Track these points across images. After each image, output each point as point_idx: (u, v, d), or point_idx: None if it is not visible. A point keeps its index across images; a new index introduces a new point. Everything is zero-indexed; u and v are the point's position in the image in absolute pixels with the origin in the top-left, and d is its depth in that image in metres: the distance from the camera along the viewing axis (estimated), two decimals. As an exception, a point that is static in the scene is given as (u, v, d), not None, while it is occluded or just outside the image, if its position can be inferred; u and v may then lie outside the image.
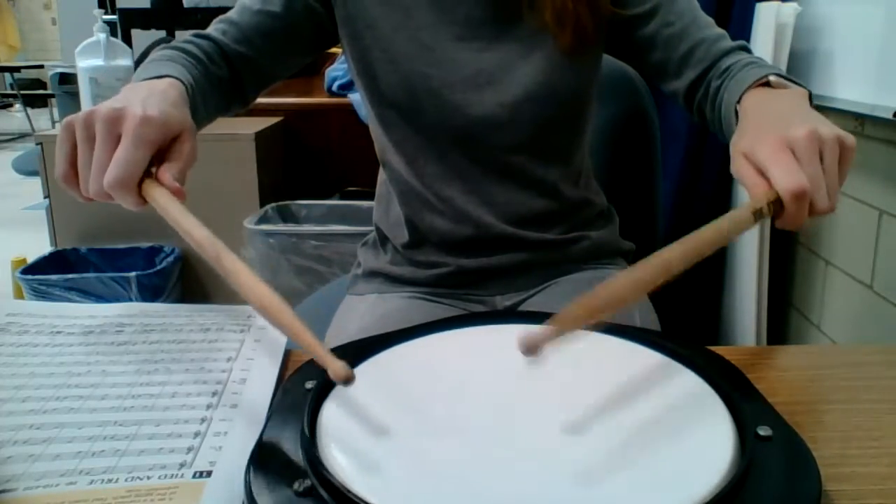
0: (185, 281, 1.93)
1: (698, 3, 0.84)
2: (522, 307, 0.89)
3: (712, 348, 0.58)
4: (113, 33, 1.89)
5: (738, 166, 0.58)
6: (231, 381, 0.56)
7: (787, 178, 0.53)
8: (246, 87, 0.83)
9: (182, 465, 0.45)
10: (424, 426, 0.46)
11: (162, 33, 2.51)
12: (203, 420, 0.50)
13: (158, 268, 1.83)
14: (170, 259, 1.87)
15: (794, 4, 1.48)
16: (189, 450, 0.46)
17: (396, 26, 0.83)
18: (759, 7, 1.55)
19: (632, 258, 0.98)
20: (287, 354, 0.62)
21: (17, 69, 6.55)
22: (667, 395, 0.50)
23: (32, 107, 6.57)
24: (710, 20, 0.83)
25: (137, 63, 1.84)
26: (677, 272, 0.49)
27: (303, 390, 0.50)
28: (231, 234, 1.79)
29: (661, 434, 0.45)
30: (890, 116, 1.22)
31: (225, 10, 0.84)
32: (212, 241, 0.54)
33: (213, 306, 0.70)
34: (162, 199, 0.58)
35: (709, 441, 0.44)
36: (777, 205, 0.54)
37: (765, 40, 1.50)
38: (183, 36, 0.80)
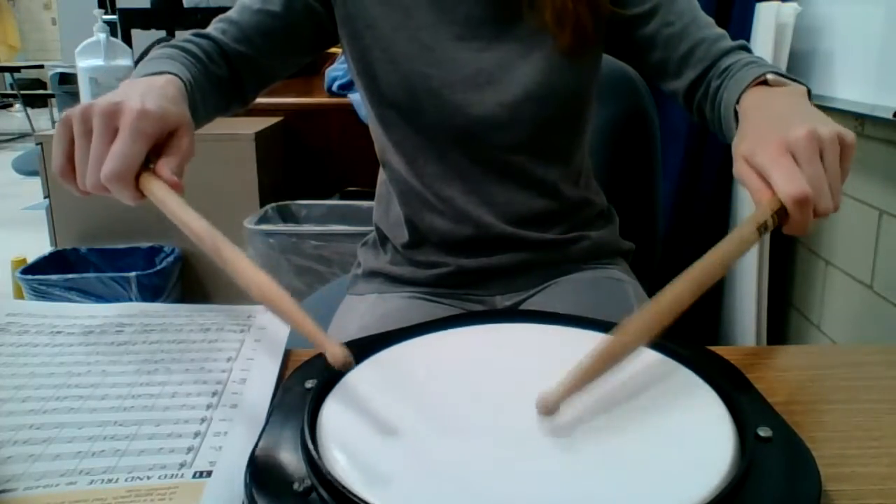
0: (185, 281, 1.93)
1: (698, 3, 0.84)
2: (522, 307, 0.89)
3: (712, 348, 0.58)
4: (113, 33, 1.89)
5: (740, 170, 0.58)
6: (231, 381, 0.56)
7: (788, 184, 0.52)
8: (245, 86, 0.83)
9: (182, 465, 0.45)
10: (424, 426, 0.46)
11: (162, 33, 2.51)
12: (203, 420, 0.50)
13: (158, 268, 1.83)
14: (170, 259, 1.87)
15: (794, 4, 1.48)
16: (189, 450, 0.46)
17: (396, 26, 0.83)
18: (759, 7, 1.55)
19: (631, 258, 0.98)
20: (287, 354, 0.62)
21: (17, 69, 6.55)
22: (667, 396, 0.50)
23: (32, 107, 6.57)
24: (710, 20, 0.83)
25: (137, 63, 1.84)
26: (688, 306, 0.49)
27: (303, 390, 0.50)
28: (231, 234, 1.79)
29: (661, 434, 0.45)
30: (890, 116, 1.22)
31: (225, 9, 0.84)
32: (210, 232, 0.54)
33: (213, 306, 0.70)
34: (160, 193, 0.58)
35: (709, 441, 0.44)
36: (781, 213, 0.54)
37: (765, 40, 1.50)
38: (183, 36, 0.80)
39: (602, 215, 0.96)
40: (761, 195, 0.55)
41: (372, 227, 0.98)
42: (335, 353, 0.45)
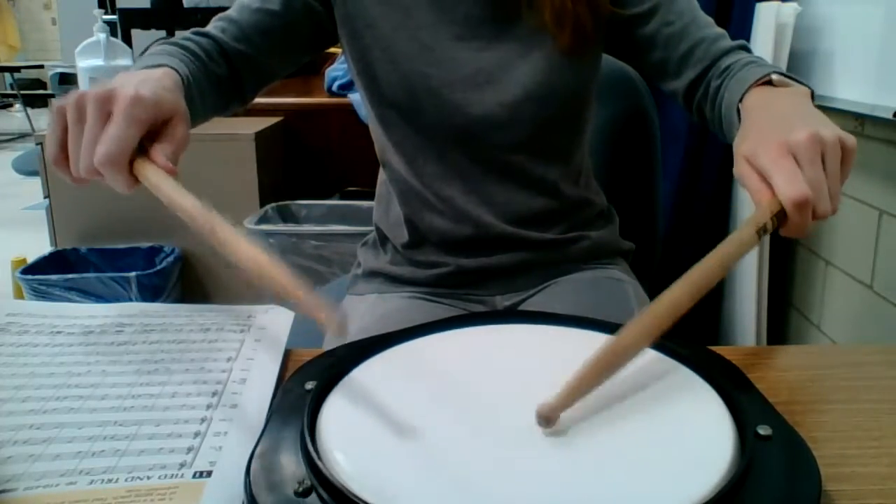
0: (185, 281, 1.93)
1: (698, 3, 0.84)
2: (522, 307, 0.89)
3: (712, 348, 0.58)
4: (113, 33, 1.90)
5: (741, 170, 0.58)
6: (231, 381, 0.56)
7: (789, 186, 0.53)
8: (245, 85, 0.83)
9: (182, 465, 0.45)
10: (425, 426, 0.46)
11: (162, 33, 2.51)
12: (203, 420, 0.50)
13: (158, 268, 1.83)
14: (170, 259, 1.87)
15: (794, 4, 1.48)
16: (189, 450, 0.46)
17: (396, 25, 0.83)
18: (759, 7, 1.55)
19: (631, 258, 0.98)
20: (287, 354, 0.62)
21: (17, 69, 6.55)
22: (667, 395, 0.50)
23: (32, 107, 6.57)
24: (710, 20, 0.83)
25: (137, 63, 1.84)
26: (687, 310, 0.49)
27: (303, 391, 0.50)
28: (231, 234, 1.80)
29: (661, 433, 0.45)
30: (890, 116, 1.22)
31: (225, 9, 0.84)
32: (205, 213, 0.54)
33: (213, 306, 0.70)
34: (154, 177, 0.58)
35: (709, 440, 0.44)
36: (780, 215, 0.54)
37: (765, 40, 1.50)
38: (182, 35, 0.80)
39: (602, 215, 0.96)
40: (761, 196, 0.55)
41: (372, 227, 0.98)
42: (330, 320, 0.45)
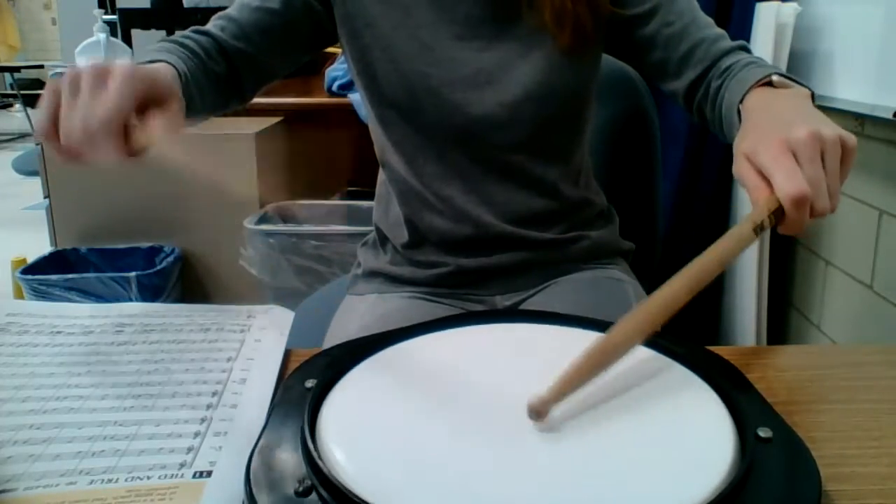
0: (185, 281, 1.93)
1: (698, 4, 0.84)
2: (522, 307, 0.89)
3: (712, 348, 0.58)
4: (113, 33, 1.89)
5: (740, 168, 0.58)
6: (231, 381, 0.56)
7: (787, 183, 0.53)
8: (244, 83, 0.83)
9: (182, 465, 0.45)
10: (424, 426, 0.46)
11: (162, 33, 2.51)
12: (203, 420, 0.50)
13: (158, 268, 1.83)
14: (170, 259, 1.87)
15: (794, 4, 1.48)
16: (189, 450, 0.46)
17: (396, 25, 0.83)
18: (759, 7, 1.55)
19: (631, 258, 0.98)
20: (287, 354, 0.62)
21: (17, 69, 6.54)
22: (667, 396, 0.50)
23: (32, 107, 6.52)
24: (710, 20, 0.83)
25: (137, 63, 1.84)
26: (683, 305, 0.50)
27: (303, 390, 0.50)
28: (231, 234, 1.80)
29: (661, 435, 0.45)
30: (890, 116, 1.22)
31: (224, 9, 0.84)
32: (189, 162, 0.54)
33: (213, 306, 0.70)
34: (153, 137, 0.57)
35: (709, 442, 0.44)
36: (778, 213, 0.54)
37: (765, 40, 1.50)
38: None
39: (602, 215, 0.96)
40: (758, 194, 0.55)
41: (372, 227, 0.98)
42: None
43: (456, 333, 0.60)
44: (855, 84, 1.35)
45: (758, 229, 0.53)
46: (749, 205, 0.56)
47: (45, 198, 1.89)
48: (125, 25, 2.44)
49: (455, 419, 0.47)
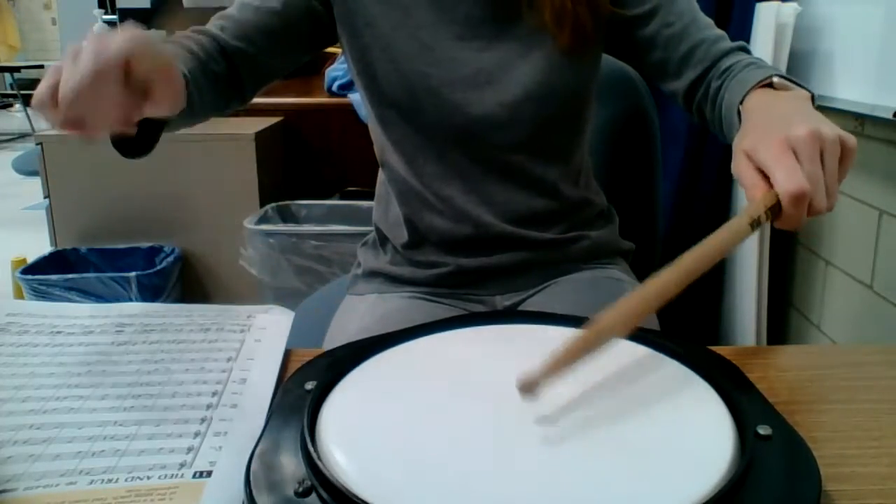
0: (185, 281, 1.94)
1: (697, 4, 0.84)
2: (522, 307, 0.89)
3: (712, 348, 0.58)
4: (113, 33, 1.89)
5: (739, 165, 0.58)
6: (231, 381, 0.56)
7: (788, 180, 0.53)
8: (244, 83, 0.83)
9: (182, 465, 0.45)
10: (424, 426, 0.46)
11: (162, 33, 2.51)
12: (203, 420, 0.50)
13: (158, 268, 1.83)
14: (170, 259, 1.87)
15: (794, 4, 1.48)
16: (189, 450, 0.46)
17: (396, 25, 0.83)
18: (759, 7, 1.55)
19: (631, 258, 0.98)
20: (287, 354, 0.62)
21: (17, 69, 6.54)
22: (667, 395, 0.50)
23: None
24: (710, 21, 0.83)
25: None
26: (677, 294, 0.50)
27: (303, 391, 0.50)
28: (231, 234, 1.80)
29: (661, 433, 0.45)
30: (890, 116, 1.22)
31: (224, 9, 0.84)
32: None
33: (213, 306, 0.70)
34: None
35: (709, 440, 0.44)
36: (775, 209, 0.54)
37: (765, 40, 1.50)
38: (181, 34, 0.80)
39: (602, 215, 0.96)
40: (755, 192, 0.55)
41: (372, 227, 0.98)
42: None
43: (455, 334, 0.60)
44: (855, 84, 1.35)
45: (754, 224, 0.54)
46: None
47: (45, 198, 1.89)
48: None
49: (455, 420, 0.47)
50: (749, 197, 0.56)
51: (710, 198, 1.71)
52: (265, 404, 0.53)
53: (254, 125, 1.91)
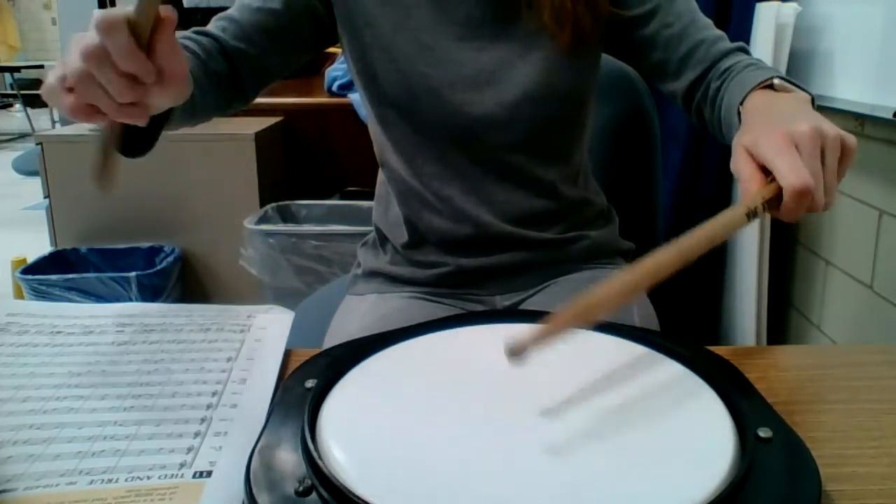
0: (185, 281, 1.93)
1: (697, 4, 0.84)
2: (522, 307, 0.89)
3: (712, 348, 0.58)
4: (113, 33, 1.89)
5: (738, 160, 0.58)
6: (231, 381, 0.56)
7: (792, 173, 0.53)
8: (245, 84, 0.83)
9: (182, 465, 0.45)
10: (424, 425, 0.46)
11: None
12: (203, 420, 0.50)
13: (158, 268, 1.83)
14: (170, 259, 1.87)
15: (794, 4, 1.48)
16: (189, 450, 0.46)
17: (396, 25, 0.83)
18: (759, 7, 1.55)
19: (631, 258, 0.98)
20: (287, 354, 0.62)
21: (17, 69, 6.55)
22: (667, 396, 0.50)
23: (32, 107, 6.56)
24: (709, 21, 0.83)
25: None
26: (670, 274, 0.49)
27: (303, 390, 0.50)
28: (231, 234, 1.80)
29: (661, 435, 0.45)
30: (890, 116, 1.22)
31: (225, 10, 0.84)
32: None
33: (213, 306, 0.70)
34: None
35: (709, 442, 0.44)
36: (773, 201, 0.54)
37: (765, 40, 1.50)
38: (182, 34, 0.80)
39: (602, 215, 0.96)
40: (751, 185, 0.55)
41: (372, 227, 0.98)
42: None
43: (455, 334, 0.60)
44: (855, 84, 1.35)
45: (751, 214, 0.53)
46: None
47: (45, 198, 1.89)
48: (125, 25, 2.44)
49: (455, 419, 0.47)
50: (744, 190, 0.56)
51: (710, 198, 1.71)
52: (265, 404, 0.53)
53: (254, 125, 1.91)
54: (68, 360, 0.58)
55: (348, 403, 0.49)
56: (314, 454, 0.41)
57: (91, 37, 0.51)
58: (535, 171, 0.86)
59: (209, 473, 0.44)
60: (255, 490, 0.39)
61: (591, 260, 0.92)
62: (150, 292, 1.81)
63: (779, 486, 0.40)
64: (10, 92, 7.27)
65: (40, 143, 1.85)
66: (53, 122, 6.31)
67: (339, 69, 2.08)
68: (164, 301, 1.84)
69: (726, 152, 0.61)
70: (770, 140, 0.55)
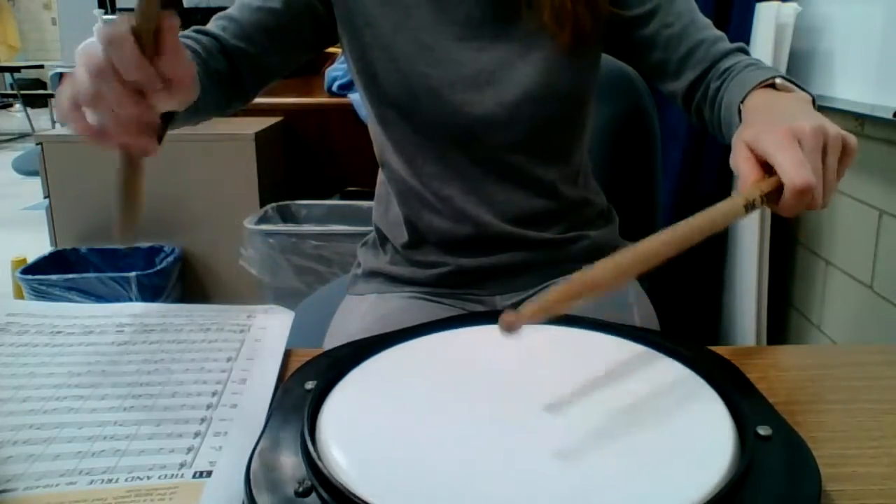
0: (185, 281, 1.93)
1: (697, 5, 0.84)
2: (522, 307, 0.88)
3: (712, 348, 0.58)
4: (113, 33, 1.89)
5: (738, 155, 0.57)
6: (231, 381, 0.56)
7: (794, 170, 0.52)
8: (245, 83, 0.83)
9: (182, 465, 0.45)
10: (424, 426, 0.46)
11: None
12: (203, 420, 0.50)
13: (158, 268, 1.83)
14: (170, 259, 1.87)
15: (794, 4, 1.48)
16: (189, 450, 0.46)
17: (396, 25, 0.83)
18: (759, 7, 1.55)
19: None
20: (287, 354, 0.62)
21: (17, 69, 6.55)
22: (667, 396, 0.50)
23: (32, 107, 6.57)
24: (709, 21, 0.83)
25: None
26: (665, 259, 0.49)
27: (303, 390, 0.50)
28: (231, 234, 1.80)
29: (661, 434, 0.45)
30: (890, 116, 1.22)
31: (225, 9, 0.84)
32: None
33: (213, 306, 0.70)
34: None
35: (709, 441, 0.44)
36: (772, 195, 0.54)
37: (765, 40, 1.50)
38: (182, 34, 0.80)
39: (602, 215, 0.96)
40: (751, 179, 0.55)
41: (372, 227, 0.98)
42: None
43: (455, 334, 0.60)
44: (855, 84, 1.35)
45: (749, 206, 0.53)
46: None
47: (45, 198, 1.89)
48: (125, 25, 2.44)
49: (455, 420, 0.47)
50: (742, 185, 0.55)
51: (710, 198, 1.70)
52: (265, 404, 0.53)
53: (254, 125, 1.91)
54: (68, 360, 0.58)
55: (348, 404, 0.49)
56: (314, 455, 0.41)
57: (96, 51, 0.52)
58: (535, 171, 0.86)
59: (209, 473, 0.44)
60: (254, 491, 0.39)
61: (591, 260, 0.90)
62: (150, 292, 1.80)
63: (779, 485, 0.40)
64: (10, 92, 7.27)
65: (40, 143, 1.85)
66: (53, 122, 6.30)
67: (339, 69, 2.08)
68: (164, 301, 1.84)
69: (726, 152, 0.61)
70: (772, 135, 0.55)
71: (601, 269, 0.48)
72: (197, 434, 0.48)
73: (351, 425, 0.46)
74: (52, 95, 5.69)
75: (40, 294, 1.77)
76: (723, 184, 1.70)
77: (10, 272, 2.21)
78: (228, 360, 0.59)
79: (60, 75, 4.79)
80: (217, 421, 0.50)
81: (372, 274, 0.94)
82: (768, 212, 1.57)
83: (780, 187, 0.54)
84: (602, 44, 0.87)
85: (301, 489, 0.39)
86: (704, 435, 0.45)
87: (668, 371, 0.53)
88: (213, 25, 0.81)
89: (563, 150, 0.89)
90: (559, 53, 0.83)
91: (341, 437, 0.44)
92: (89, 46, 0.53)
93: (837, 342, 1.49)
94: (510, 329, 0.44)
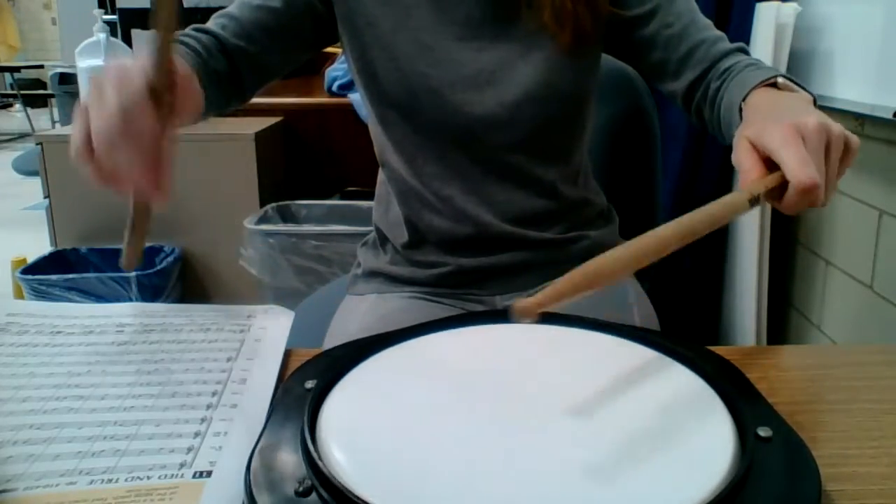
0: (185, 281, 1.93)
1: (697, 5, 0.84)
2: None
3: (712, 348, 0.58)
4: (113, 33, 1.90)
5: (740, 151, 0.57)
6: (231, 381, 0.56)
7: (800, 169, 0.52)
8: (244, 82, 0.83)
9: (182, 465, 0.45)
10: (424, 425, 0.46)
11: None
12: (203, 420, 0.50)
13: (158, 268, 1.83)
14: (170, 259, 1.87)
15: (794, 4, 1.48)
16: (189, 450, 0.46)
17: (396, 25, 0.83)
18: (759, 7, 1.55)
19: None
20: (287, 354, 0.62)
21: (17, 69, 6.55)
22: (667, 396, 0.50)
23: (32, 107, 6.57)
24: (709, 21, 0.83)
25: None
26: (670, 250, 0.49)
27: (303, 390, 0.50)
28: (231, 234, 1.80)
29: (661, 435, 0.45)
30: (890, 116, 1.22)
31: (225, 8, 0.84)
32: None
33: (213, 306, 0.70)
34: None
35: (709, 442, 0.44)
36: (775, 192, 0.54)
37: (765, 40, 1.50)
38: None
39: (602, 215, 0.96)
40: (752, 175, 0.55)
41: (372, 227, 0.98)
42: None
43: (456, 334, 0.60)
44: (855, 84, 1.35)
45: (753, 200, 0.53)
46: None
47: (45, 198, 1.89)
48: (125, 25, 2.44)
49: (455, 419, 0.47)
50: (743, 181, 0.55)
51: (710, 198, 1.70)
52: (265, 404, 0.53)
53: (254, 125, 1.91)
54: (68, 360, 0.58)
55: (348, 404, 0.49)
56: (314, 455, 0.41)
57: (111, 104, 0.53)
58: (535, 171, 0.86)
59: (209, 473, 0.44)
60: (255, 490, 0.39)
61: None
62: (150, 292, 1.80)
63: (779, 486, 0.40)
64: (10, 92, 7.27)
65: (40, 143, 1.85)
66: (53, 122, 6.31)
67: (339, 69, 2.08)
68: (164, 301, 1.84)
69: (726, 152, 0.61)
70: (776, 131, 0.55)
71: (608, 259, 0.48)
72: (197, 434, 0.48)
73: (351, 425, 0.46)
74: (52, 95, 5.69)
75: (40, 294, 1.77)
76: (723, 184, 1.70)
77: (10, 272, 2.21)
78: (228, 360, 0.59)
79: (60, 75, 4.79)
80: (217, 421, 0.50)
81: (372, 274, 0.94)
82: (768, 211, 1.57)
83: (782, 184, 0.53)
84: (602, 44, 0.87)
85: (301, 489, 0.39)
86: (704, 436, 0.45)
87: (668, 371, 0.53)
88: (212, 24, 0.82)
89: (563, 150, 0.89)
90: (559, 53, 0.83)
91: (341, 437, 0.44)
92: (103, 86, 0.55)
93: (837, 342, 1.49)
94: (526, 315, 0.44)
